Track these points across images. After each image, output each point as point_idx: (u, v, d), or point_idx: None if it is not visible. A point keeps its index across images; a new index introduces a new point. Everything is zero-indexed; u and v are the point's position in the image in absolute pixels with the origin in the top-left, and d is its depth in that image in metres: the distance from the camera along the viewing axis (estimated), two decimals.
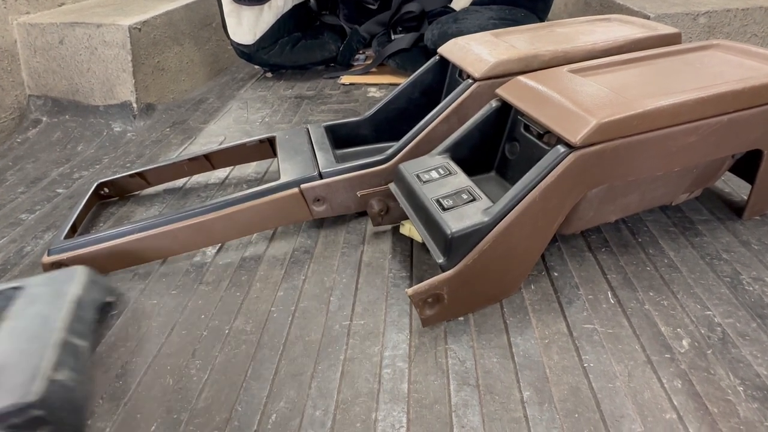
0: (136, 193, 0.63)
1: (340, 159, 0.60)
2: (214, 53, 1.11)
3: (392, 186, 0.48)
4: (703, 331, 0.38)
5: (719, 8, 0.71)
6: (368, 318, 0.42)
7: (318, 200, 0.51)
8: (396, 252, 0.50)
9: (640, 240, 0.49)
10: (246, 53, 1.03)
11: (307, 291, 0.45)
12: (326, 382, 0.36)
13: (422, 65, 0.98)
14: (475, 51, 0.55)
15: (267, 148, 0.62)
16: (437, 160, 0.46)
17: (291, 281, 0.47)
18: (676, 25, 0.73)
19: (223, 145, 0.62)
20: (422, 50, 0.98)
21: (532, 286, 0.44)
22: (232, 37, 1.01)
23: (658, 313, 0.40)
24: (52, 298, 0.39)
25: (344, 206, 0.53)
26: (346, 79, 1.03)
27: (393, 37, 1.06)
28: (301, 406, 0.35)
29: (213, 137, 0.80)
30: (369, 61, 1.09)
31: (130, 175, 0.59)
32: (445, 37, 0.91)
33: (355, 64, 1.12)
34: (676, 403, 0.33)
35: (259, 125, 0.84)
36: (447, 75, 0.62)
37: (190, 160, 0.60)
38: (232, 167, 0.67)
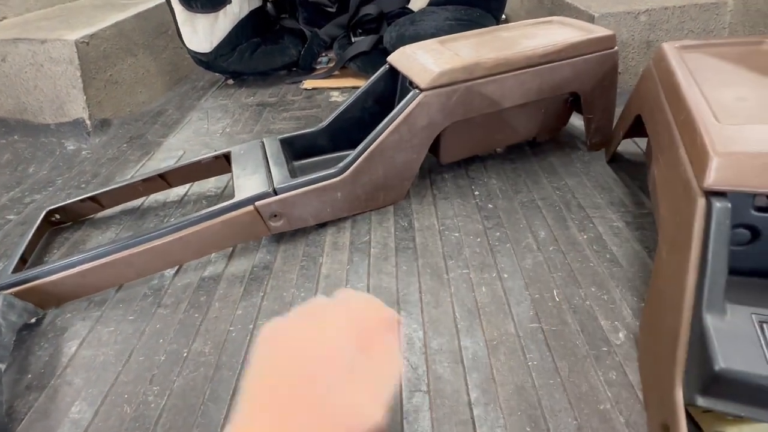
0: (91, 216, 0.62)
1: (298, 171, 0.61)
2: (172, 62, 1.09)
3: None
4: (638, 323, 0.41)
5: (658, 6, 0.74)
6: None
7: (275, 216, 0.52)
8: (354, 262, 0.51)
9: (585, 237, 0.52)
10: (204, 61, 1.01)
11: (266, 308, 0.46)
12: None
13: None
14: (420, 60, 0.56)
15: (223, 163, 0.61)
16: None
17: (250, 299, 0.47)
18: (618, 23, 0.76)
19: (178, 164, 0.62)
20: (382, 52, 0.98)
21: (484, 289, 0.46)
22: (188, 45, 0.99)
23: (599, 307, 0.43)
24: None
25: (302, 220, 0.54)
26: (308, 84, 1.02)
27: (353, 39, 1.06)
28: None
29: (172, 152, 0.79)
30: (332, 64, 1.09)
31: (82, 200, 0.58)
32: (402, 39, 0.92)
33: (318, 67, 1.12)
34: (610, 394, 0.35)
35: (219, 136, 0.83)
36: (399, 82, 0.63)
37: (144, 180, 0.59)
38: (191, 183, 0.67)
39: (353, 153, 0.53)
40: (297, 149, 0.63)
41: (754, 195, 0.31)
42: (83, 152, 0.81)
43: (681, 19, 0.75)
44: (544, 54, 0.55)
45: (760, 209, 0.31)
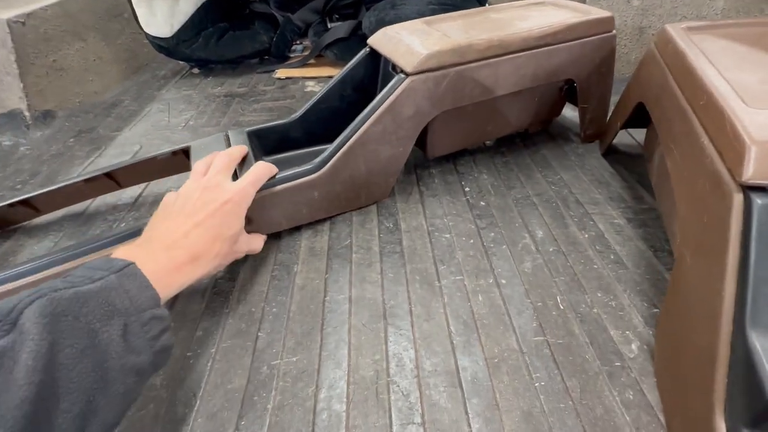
0: (24, 223, 0.53)
1: None
2: (129, 48, 0.99)
3: None
4: (651, 332, 0.37)
5: None
6: (301, 353, 0.37)
7: (246, 218, 0.45)
8: (333, 270, 0.45)
9: (586, 236, 0.47)
10: (164, 47, 0.92)
11: (231, 327, 0.39)
12: None
13: None
14: (406, 42, 0.50)
15: (183, 159, 0.54)
16: None
17: (212, 317, 0.41)
18: (611, 8, 0.72)
19: (130, 161, 0.53)
20: (361, 39, 0.92)
21: (480, 298, 0.41)
22: (145, 29, 0.89)
23: (607, 315, 0.39)
24: None
25: (274, 223, 0.47)
26: (281, 73, 0.95)
27: (329, 25, 0.99)
28: None
29: (126, 147, 0.70)
30: (307, 52, 1.01)
31: (11, 204, 0.49)
32: (382, 24, 0.85)
33: (292, 55, 1.04)
34: (628, 418, 0.31)
35: (181, 129, 0.75)
36: (380, 67, 0.57)
37: (87, 180, 0.51)
38: (146, 183, 0.59)
39: (331, 146, 0.47)
40: (267, 143, 0.56)
41: None
42: (21, 148, 0.71)
43: (674, 4, 0.72)
44: (540, 36, 0.50)
45: None
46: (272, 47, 1.00)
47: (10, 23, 0.70)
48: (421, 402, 0.33)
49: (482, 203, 0.53)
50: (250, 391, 0.34)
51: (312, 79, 0.92)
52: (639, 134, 0.63)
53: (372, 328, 0.39)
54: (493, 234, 0.48)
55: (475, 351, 0.36)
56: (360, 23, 0.91)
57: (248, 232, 0.45)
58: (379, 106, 0.47)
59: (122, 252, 0.30)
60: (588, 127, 0.61)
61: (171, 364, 0.36)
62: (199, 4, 0.91)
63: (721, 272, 0.26)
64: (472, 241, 0.48)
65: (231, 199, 0.38)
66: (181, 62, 1.02)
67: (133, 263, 0.28)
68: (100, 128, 0.77)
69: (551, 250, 0.46)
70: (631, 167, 0.58)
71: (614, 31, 0.55)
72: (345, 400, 0.33)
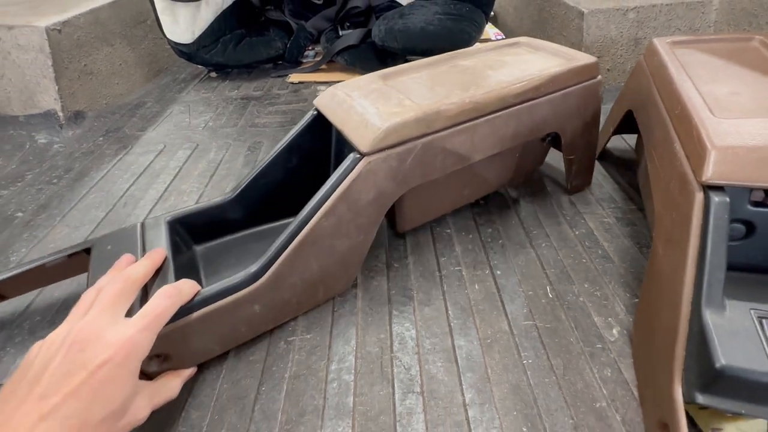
0: None
1: (201, 260, 0.44)
2: (151, 53, 1.05)
3: None
4: (631, 319, 0.41)
5: (646, 4, 0.75)
6: (314, 331, 0.41)
7: (156, 357, 0.34)
8: None
9: (577, 233, 0.51)
10: (185, 53, 0.98)
11: None
12: (270, 402, 0.35)
13: (372, 62, 0.98)
14: (358, 110, 0.39)
15: (82, 260, 0.40)
16: None
17: None
18: (608, 19, 0.76)
19: (14, 270, 0.40)
20: (371, 46, 0.97)
21: (477, 286, 0.45)
22: (168, 36, 0.95)
23: (592, 304, 0.43)
24: None
25: (201, 353, 0.37)
26: (294, 77, 1.00)
27: (341, 33, 1.04)
28: (243, 431, 0.34)
29: (152, 145, 0.75)
30: (319, 58, 1.06)
31: None
32: (391, 33, 0.91)
33: (305, 61, 1.09)
34: (605, 391, 0.35)
35: (202, 130, 0.80)
36: (332, 133, 0.47)
37: None
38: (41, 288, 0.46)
39: (271, 249, 0.37)
40: (198, 228, 0.45)
41: (751, 189, 0.30)
42: (55, 146, 0.77)
43: (668, 16, 0.75)
44: (520, 92, 0.43)
45: (756, 204, 0.31)
46: (286, 53, 1.05)
47: (48, 30, 0.76)
48: (420, 375, 0.37)
49: (481, 201, 0.57)
50: (269, 362, 0.39)
51: (323, 84, 0.97)
52: (632, 139, 0.66)
53: (378, 311, 0.43)
54: (490, 230, 0.52)
55: (471, 332, 0.40)
56: (370, 31, 0.96)
57: (164, 370, 0.35)
58: (331, 194, 0.37)
59: None
60: (574, 178, 0.55)
61: None
62: (218, 13, 0.97)
63: (684, 260, 0.30)
64: (471, 236, 0.52)
65: (110, 358, 0.26)
66: (199, 66, 1.07)
67: None
68: (126, 128, 0.82)
69: (544, 245, 0.50)
70: (623, 170, 0.62)
71: (599, 77, 0.49)
72: (353, 371, 0.37)
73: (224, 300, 0.35)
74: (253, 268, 0.36)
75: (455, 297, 0.44)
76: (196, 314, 0.34)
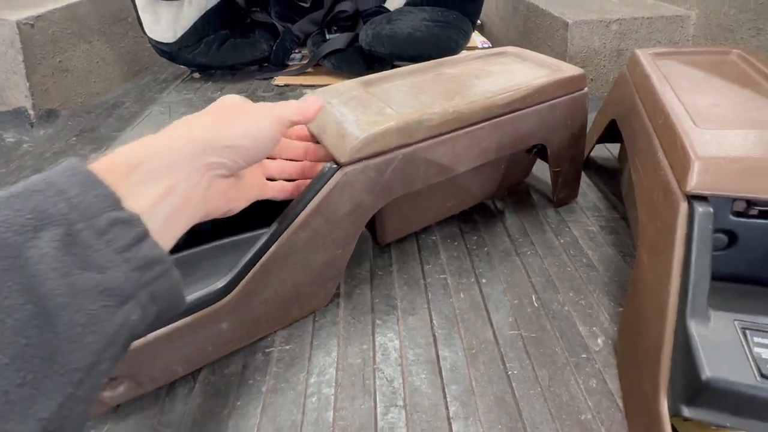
0: None
1: None
2: (131, 51, 1.02)
3: None
4: (615, 328, 0.41)
5: (628, 17, 0.77)
6: (294, 342, 0.40)
7: (111, 380, 0.32)
8: None
9: (562, 241, 0.51)
10: (167, 52, 0.95)
11: None
12: (245, 419, 0.34)
13: (359, 67, 0.97)
14: (337, 118, 0.37)
15: None
16: None
17: None
18: (591, 31, 0.78)
19: None
20: (358, 50, 0.96)
21: (462, 295, 0.44)
22: (149, 34, 0.92)
23: (577, 313, 0.42)
24: None
25: (162, 375, 0.35)
26: (280, 80, 0.98)
27: (328, 36, 1.03)
28: None
29: None
30: (305, 61, 1.05)
31: None
32: (379, 38, 0.90)
33: (291, 64, 1.08)
34: (590, 403, 0.34)
35: None
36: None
37: None
38: None
39: (240, 263, 0.34)
40: None
41: (733, 200, 0.30)
42: (24, 145, 0.73)
43: (649, 29, 0.77)
44: (506, 102, 0.42)
45: (738, 214, 0.31)
46: (272, 55, 1.04)
47: (20, 24, 0.73)
48: (403, 387, 0.36)
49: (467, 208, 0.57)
50: (246, 375, 0.37)
51: (309, 87, 0.96)
52: (615, 148, 0.67)
53: (361, 321, 0.42)
54: (476, 238, 0.52)
55: (455, 342, 0.39)
56: (357, 36, 0.95)
57: (120, 396, 0.32)
58: (306, 206, 0.35)
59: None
60: (561, 191, 0.55)
61: None
62: (202, 12, 0.95)
63: (669, 270, 0.30)
64: (456, 243, 0.51)
65: (256, 110, 0.28)
66: (182, 67, 1.05)
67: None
68: (101, 128, 0.79)
69: (529, 253, 0.49)
70: (606, 179, 0.62)
71: (586, 89, 0.48)
72: (334, 384, 0.36)
73: (187, 318, 0.33)
74: (220, 283, 0.34)
75: (440, 306, 0.43)
76: (155, 333, 0.31)
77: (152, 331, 0.21)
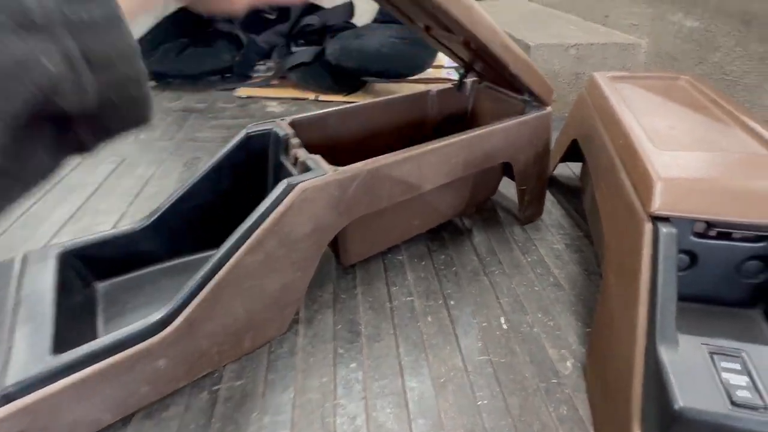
0: None
1: (102, 301, 0.36)
2: None
3: None
4: (584, 350, 0.40)
5: (585, 42, 0.80)
6: (246, 377, 0.36)
7: None
8: None
9: (529, 260, 0.51)
10: None
11: None
12: None
13: (325, 80, 0.96)
14: None
15: None
16: None
17: None
18: (551, 53, 0.81)
19: None
20: (324, 64, 0.95)
21: (429, 318, 0.42)
22: None
23: (546, 335, 0.41)
24: None
25: (86, 425, 0.30)
26: (243, 91, 0.95)
27: (293, 49, 1.01)
28: None
29: None
30: (270, 73, 1.02)
31: None
32: (346, 52, 0.89)
33: (255, 75, 1.04)
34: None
35: (132, 143, 0.72)
36: (269, 150, 0.42)
37: None
38: None
39: (183, 291, 0.30)
40: (103, 261, 0.38)
41: (694, 221, 0.31)
42: None
43: (604, 55, 0.81)
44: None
45: (698, 235, 0.31)
46: (235, 66, 1.00)
47: None
48: (367, 424, 0.33)
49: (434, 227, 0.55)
50: (187, 419, 0.32)
51: (274, 100, 0.93)
52: (577, 167, 0.69)
53: (321, 350, 0.38)
54: (443, 256, 0.50)
55: (423, 371, 0.37)
56: (324, 49, 0.94)
57: None
58: (258, 226, 0.31)
59: None
60: (527, 208, 0.54)
61: None
62: (159, 18, 0.90)
63: (636, 292, 0.29)
64: (423, 262, 0.49)
65: None
66: None
67: None
68: None
69: (497, 272, 0.48)
70: (569, 197, 0.63)
71: (550, 108, 0.48)
72: (289, 425, 0.32)
73: (117, 356, 0.28)
74: (159, 314, 0.29)
75: (407, 331, 0.41)
76: (74, 377, 0.26)
77: (106, 116, 0.15)
